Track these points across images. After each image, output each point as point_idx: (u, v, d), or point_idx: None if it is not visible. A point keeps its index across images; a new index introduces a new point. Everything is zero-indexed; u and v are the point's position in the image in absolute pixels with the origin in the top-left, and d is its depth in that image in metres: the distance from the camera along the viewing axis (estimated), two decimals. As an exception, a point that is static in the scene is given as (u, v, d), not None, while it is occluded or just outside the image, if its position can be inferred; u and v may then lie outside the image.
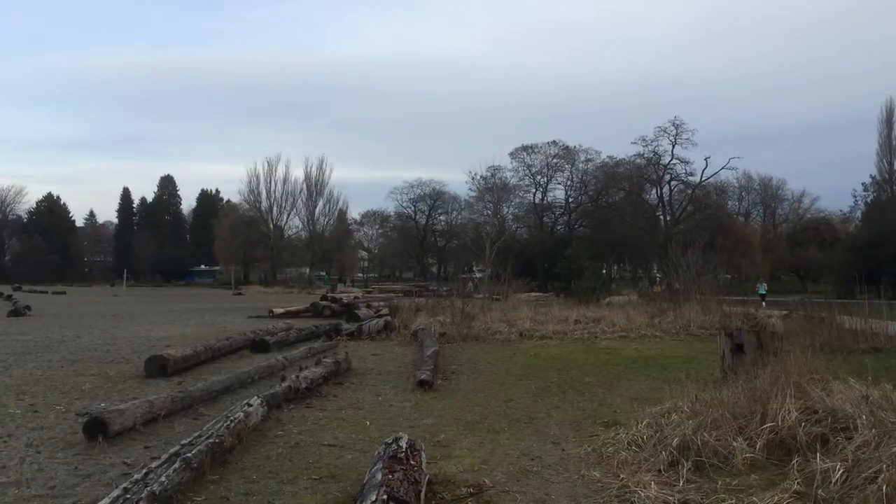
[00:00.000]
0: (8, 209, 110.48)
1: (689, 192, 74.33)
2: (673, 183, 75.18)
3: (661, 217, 76.68)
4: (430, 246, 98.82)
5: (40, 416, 8.47)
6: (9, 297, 41.64)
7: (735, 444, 6.07)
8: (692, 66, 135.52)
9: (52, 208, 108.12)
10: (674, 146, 72.18)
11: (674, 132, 71.07)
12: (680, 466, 5.76)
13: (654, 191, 77.09)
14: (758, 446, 6.06)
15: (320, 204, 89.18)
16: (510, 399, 9.79)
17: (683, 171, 73.96)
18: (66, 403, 9.31)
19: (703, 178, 72.78)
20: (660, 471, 5.80)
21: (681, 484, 5.46)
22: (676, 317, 20.26)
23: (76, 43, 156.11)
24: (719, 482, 5.48)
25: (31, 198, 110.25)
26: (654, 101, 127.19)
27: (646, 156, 74.00)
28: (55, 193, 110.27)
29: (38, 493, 5.57)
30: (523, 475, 6.07)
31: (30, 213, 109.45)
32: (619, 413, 8.53)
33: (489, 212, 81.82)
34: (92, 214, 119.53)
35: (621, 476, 5.77)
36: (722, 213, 74.28)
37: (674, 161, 73.25)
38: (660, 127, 72.02)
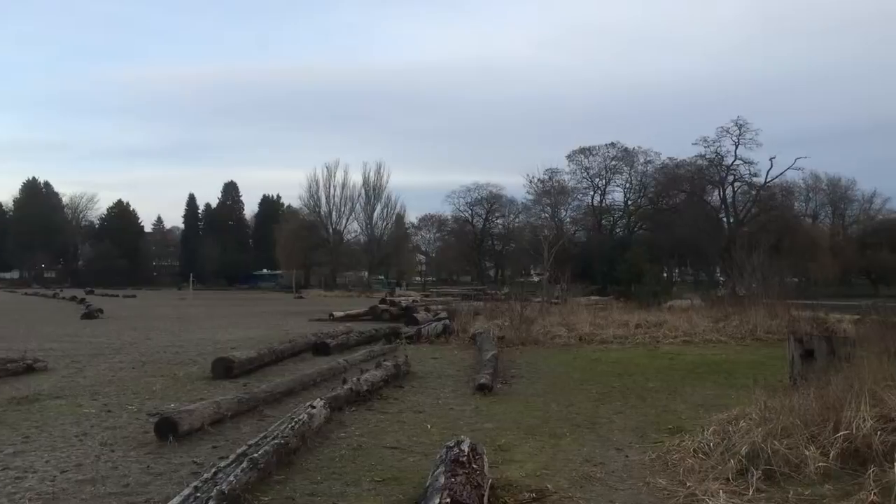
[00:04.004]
0: (81, 216, 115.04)
1: (754, 193, 72.62)
2: (736, 184, 73.67)
3: (724, 219, 75.08)
4: (487, 249, 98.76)
5: (114, 416, 8.76)
6: (82, 301, 43.19)
7: (807, 452, 5.88)
8: (755, 64, 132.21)
9: (121, 214, 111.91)
10: (737, 146, 70.77)
11: (737, 132, 69.70)
12: (749, 475, 5.60)
13: (716, 192, 75.65)
14: (831, 455, 5.85)
15: (378, 208, 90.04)
16: (571, 404, 9.70)
17: (747, 171, 72.43)
18: (137, 403, 9.61)
19: (768, 179, 71.10)
20: (728, 479, 5.65)
21: (750, 493, 5.32)
22: (742, 321, 19.74)
23: (143, 56, 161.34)
24: (791, 492, 5.32)
25: (102, 204, 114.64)
26: (715, 101, 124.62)
27: (707, 157, 72.76)
28: (125, 200, 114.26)
29: (112, 490, 5.76)
30: (586, 481, 6.00)
31: (101, 219, 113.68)
32: (683, 419, 8.36)
33: (546, 215, 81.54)
34: (159, 220, 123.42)
35: (688, 484, 5.65)
36: (788, 215, 72.35)
37: (737, 162, 71.83)
38: (722, 127, 70.71)
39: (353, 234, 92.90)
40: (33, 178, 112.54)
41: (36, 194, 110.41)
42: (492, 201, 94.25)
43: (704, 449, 6.45)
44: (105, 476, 6.14)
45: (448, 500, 4.50)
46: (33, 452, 6.92)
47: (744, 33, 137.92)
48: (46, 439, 7.48)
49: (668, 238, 69.22)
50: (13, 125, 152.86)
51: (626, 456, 6.86)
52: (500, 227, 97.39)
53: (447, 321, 21.22)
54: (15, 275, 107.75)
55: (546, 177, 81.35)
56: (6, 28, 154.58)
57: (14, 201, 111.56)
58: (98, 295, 56.72)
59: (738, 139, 70.14)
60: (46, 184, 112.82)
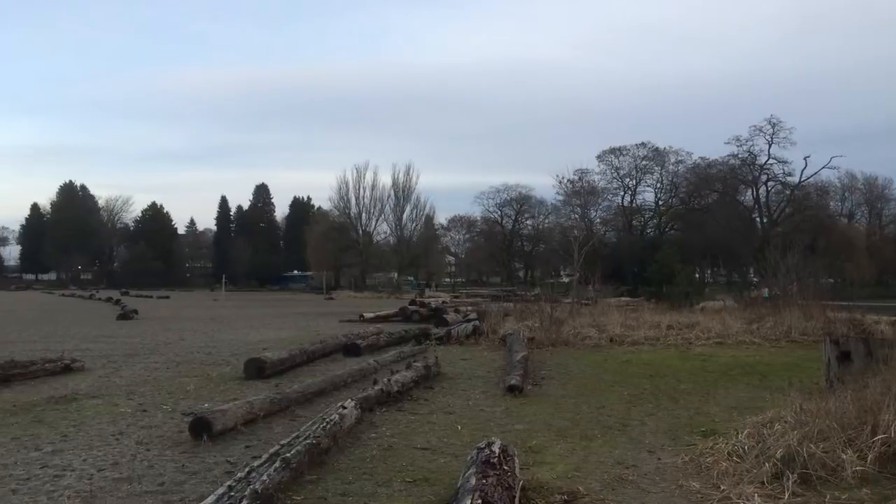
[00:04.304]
0: (116, 218, 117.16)
1: (788, 192, 71.52)
2: (770, 184, 72.61)
3: (758, 219, 74.04)
4: (516, 250, 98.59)
5: (149, 415, 8.91)
6: (117, 302, 43.94)
7: (844, 456, 5.79)
8: (788, 62, 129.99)
9: (155, 216, 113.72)
10: (770, 145, 69.73)
11: (770, 131, 68.70)
12: (785, 479, 5.52)
13: (749, 192, 74.62)
14: (868, 459, 5.76)
15: (407, 209, 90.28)
16: (602, 406, 9.64)
17: (781, 171, 71.35)
18: (172, 403, 9.76)
19: (802, 179, 69.93)
20: (763, 483, 5.58)
21: (786, 497, 5.25)
22: (776, 323, 19.44)
23: (176, 60, 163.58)
24: (828, 496, 5.24)
25: (137, 207, 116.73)
26: (748, 100, 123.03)
27: (740, 156, 71.84)
28: (159, 202, 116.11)
29: (148, 489, 5.85)
30: (618, 484, 5.96)
31: (136, 221, 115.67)
32: (717, 422, 8.27)
33: (576, 215, 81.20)
34: (192, 222, 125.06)
35: (722, 487, 5.59)
36: (823, 215, 71.12)
37: (770, 161, 70.75)
38: (755, 126, 69.75)
39: (382, 236, 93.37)
40: (70, 181, 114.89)
41: (73, 197, 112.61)
42: (521, 202, 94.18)
43: (739, 452, 6.37)
44: (141, 475, 6.24)
45: (479, 501, 4.49)
46: (71, 451, 7.06)
47: (777, 31, 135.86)
48: (84, 438, 7.63)
49: (700, 238, 68.52)
50: (50, 129, 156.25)
51: (659, 458, 6.80)
52: (529, 227, 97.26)
53: (477, 322, 21.20)
54: (52, 276, 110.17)
55: (576, 177, 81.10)
56: (47, 35, 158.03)
57: (51, 204, 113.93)
58: (133, 296, 57.65)
59: (772, 138, 69.23)
60: (83, 187, 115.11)
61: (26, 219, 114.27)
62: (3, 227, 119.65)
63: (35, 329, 23.70)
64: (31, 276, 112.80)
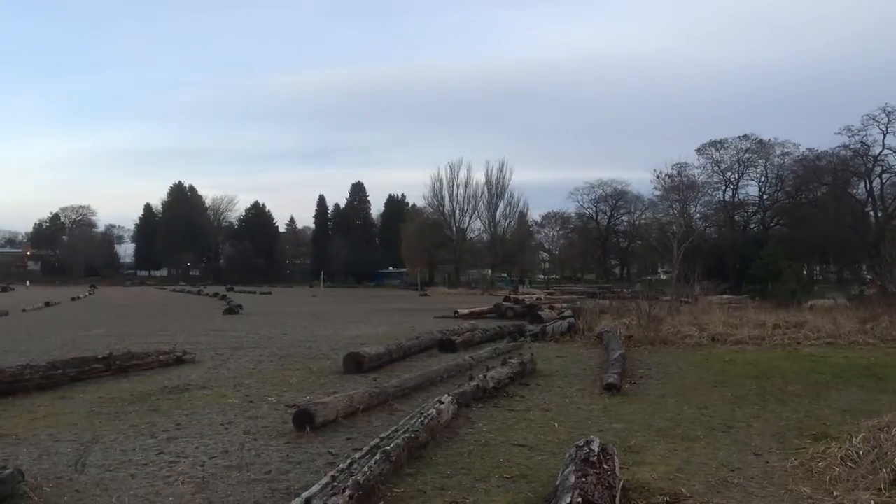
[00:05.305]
0: (221, 217, 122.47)
1: (904, 184, 67.18)
2: (885, 175, 68.27)
3: (872, 213, 69.91)
4: (612, 247, 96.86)
5: (255, 406, 9.26)
6: (224, 297, 45.91)
7: (971, 465, 5.42)
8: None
9: (258, 215, 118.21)
10: (885, 135, 65.54)
11: (885, 120, 64.53)
12: (904, 487, 5.22)
13: (861, 185, 70.49)
14: None
15: (501, 206, 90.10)
16: (704, 406, 9.35)
17: (897, 161, 66.96)
18: (276, 395, 10.11)
19: (921, 170, 65.52)
20: (880, 489, 5.28)
21: (906, 506, 4.96)
22: (892, 322, 18.32)
23: (276, 64, 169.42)
24: (953, 507, 4.91)
25: (241, 206, 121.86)
26: (859, 87, 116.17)
27: (852, 147, 67.85)
28: (261, 202, 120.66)
29: (256, 477, 6.08)
30: (723, 486, 5.77)
31: (240, 220, 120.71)
32: (828, 425, 7.87)
33: (675, 211, 78.88)
34: (292, 220, 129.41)
35: (835, 493, 5.33)
36: (945, 207, 66.38)
37: (885, 151, 66.53)
38: (868, 115, 65.69)
39: (476, 233, 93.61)
40: (179, 182, 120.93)
41: (182, 197, 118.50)
42: (616, 198, 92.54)
43: (853, 457, 6.05)
44: (249, 463, 6.50)
45: (579, 499, 4.46)
46: (184, 439, 7.44)
47: (887, 13, 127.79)
48: (196, 427, 8.02)
49: (808, 234, 65.43)
50: (161, 133, 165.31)
51: (766, 462, 6.54)
52: (625, 223, 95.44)
53: (572, 319, 20.95)
54: (164, 272, 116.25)
55: (674, 171, 78.85)
56: (159, 43, 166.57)
57: (163, 204, 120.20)
58: (237, 292, 60.08)
59: (887, 127, 65.08)
60: (191, 187, 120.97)
61: (140, 218, 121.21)
62: (118, 227, 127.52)
63: (149, 323, 25.08)
64: (144, 273, 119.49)
